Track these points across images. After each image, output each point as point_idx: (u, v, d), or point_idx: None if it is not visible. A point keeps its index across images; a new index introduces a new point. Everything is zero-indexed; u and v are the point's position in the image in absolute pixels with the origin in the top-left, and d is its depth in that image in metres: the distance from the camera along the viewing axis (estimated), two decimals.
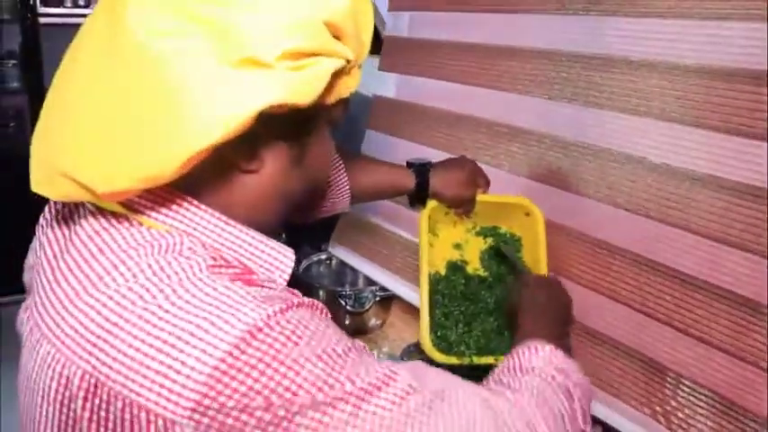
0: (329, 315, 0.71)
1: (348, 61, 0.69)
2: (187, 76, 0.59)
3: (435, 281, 1.33)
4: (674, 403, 1.18)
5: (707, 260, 1.13)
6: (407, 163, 1.30)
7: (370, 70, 1.89)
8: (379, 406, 0.64)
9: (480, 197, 1.33)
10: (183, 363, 0.59)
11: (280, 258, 0.75)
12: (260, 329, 0.61)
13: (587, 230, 1.33)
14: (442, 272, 1.37)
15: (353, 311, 1.78)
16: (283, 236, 1.99)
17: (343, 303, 1.76)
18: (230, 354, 0.59)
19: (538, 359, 0.87)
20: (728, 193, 1.10)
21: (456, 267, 1.37)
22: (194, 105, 0.59)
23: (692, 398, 1.15)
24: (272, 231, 0.77)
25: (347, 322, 1.79)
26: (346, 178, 1.25)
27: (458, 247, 1.39)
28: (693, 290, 1.15)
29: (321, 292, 1.80)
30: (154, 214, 0.68)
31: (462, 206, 1.33)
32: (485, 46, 1.55)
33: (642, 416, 1.22)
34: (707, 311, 1.13)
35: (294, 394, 0.60)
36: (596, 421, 1.24)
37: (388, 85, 1.84)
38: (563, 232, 1.37)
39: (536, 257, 1.32)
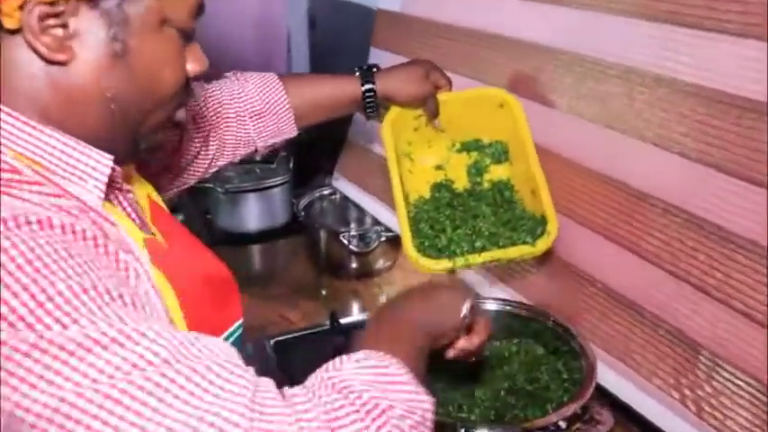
0: (117, 257, 0.61)
1: None
2: None
3: (421, 203, 1.16)
4: (707, 389, 0.90)
5: (760, 216, 0.83)
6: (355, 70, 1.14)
7: None
8: (79, 371, 0.49)
9: (444, 96, 1.14)
10: None
11: (92, 164, 0.65)
12: None
13: (607, 170, 1.04)
14: (427, 195, 1.18)
15: (358, 252, 1.54)
16: (291, 167, 1.76)
17: (347, 243, 1.52)
18: None
19: (341, 372, 0.61)
20: None
21: (441, 186, 1.18)
22: None
23: (730, 384, 0.88)
24: (118, 152, 0.68)
25: (353, 265, 1.56)
26: (286, 98, 1.11)
27: (440, 168, 1.20)
28: (737, 250, 0.86)
29: (322, 233, 1.57)
30: None
31: (424, 106, 1.14)
32: None
33: (667, 397, 0.95)
34: (754, 279, 0.84)
35: None
36: (606, 397, 1.00)
37: None
38: (580, 171, 1.08)
39: (525, 161, 1.09)
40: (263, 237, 1.71)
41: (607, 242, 1.04)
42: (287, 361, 1.25)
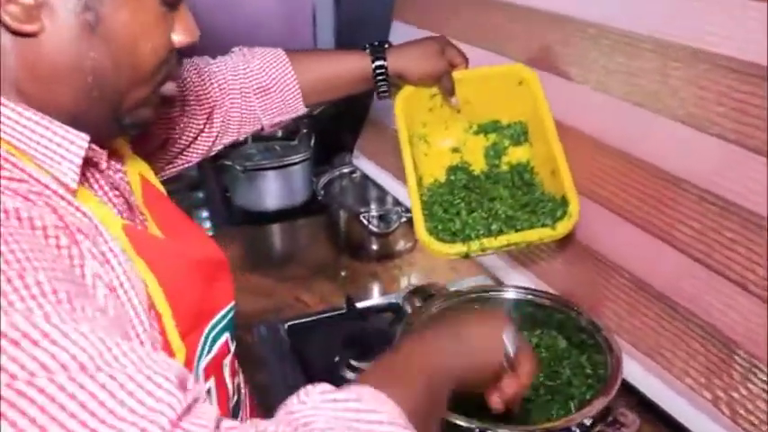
0: (77, 252, 0.55)
1: None
2: None
3: (435, 187, 1.10)
4: (743, 391, 0.82)
5: None
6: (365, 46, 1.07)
7: None
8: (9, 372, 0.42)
9: (460, 74, 1.07)
10: None
11: (65, 145, 0.61)
12: None
13: (636, 151, 0.95)
14: (442, 178, 1.12)
15: (378, 233, 1.48)
16: (312, 144, 1.70)
17: (367, 224, 1.46)
18: None
19: (305, 405, 0.52)
20: None
21: (457, 169, 1.12)
22: None
23: None
24: (99, 131, 0.63)
25: (373, 246, 1.50)
26: (292, 75, 1.05)
27: (456, 150, 1.14)
28: None
29: (341, 213, 1.51)
30: None
31: (438, 84, 1.07)
32: None
33: (698, 398, 0.87)
34: None
35: None
36: (633, 395, 0.93)
37: None
38: (607, 151, 1.00)
39: (545, 140, 1.02)
40: (282, 216, 1.66)
41: (636, 229, 0.96)
42: (301, 345, 1.20)
